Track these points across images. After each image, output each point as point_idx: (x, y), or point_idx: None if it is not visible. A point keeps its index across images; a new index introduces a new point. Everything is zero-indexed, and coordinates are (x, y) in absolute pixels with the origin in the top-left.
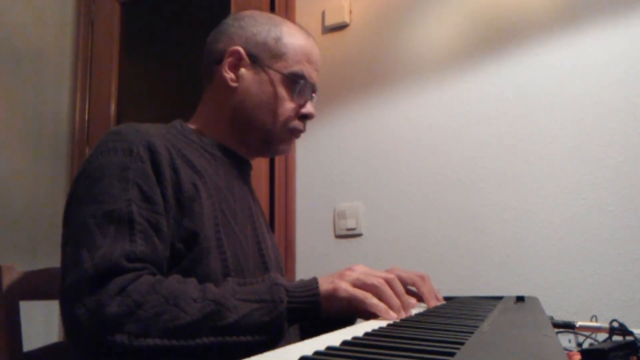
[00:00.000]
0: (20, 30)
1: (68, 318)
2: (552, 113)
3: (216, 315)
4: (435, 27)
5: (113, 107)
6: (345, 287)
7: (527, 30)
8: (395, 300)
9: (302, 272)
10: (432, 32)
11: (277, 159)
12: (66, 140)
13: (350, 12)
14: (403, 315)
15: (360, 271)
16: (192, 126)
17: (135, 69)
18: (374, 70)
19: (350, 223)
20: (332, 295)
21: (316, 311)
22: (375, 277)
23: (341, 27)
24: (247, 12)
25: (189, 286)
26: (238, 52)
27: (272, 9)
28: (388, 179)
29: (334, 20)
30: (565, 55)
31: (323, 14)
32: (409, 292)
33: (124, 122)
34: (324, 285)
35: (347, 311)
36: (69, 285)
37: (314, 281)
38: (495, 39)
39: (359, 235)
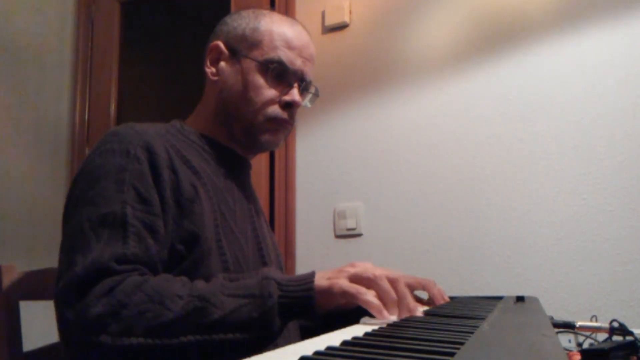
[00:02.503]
0: (20, 30)
1: (59, 321)
2: (552, 113)
3: (200, 311)
4: (435, 28)
5: (113, 107)
6: (341, 284)
7: (527, 31)
8: (391, 295)
9: (302, 272)
10: (432, 32)
11: (277, 158)
12: (66, 140)
13: (350, 12)
14: (396, 312)
15: (361, 267)
16: (190, 125)
17: (135, 69)
18: (374, 70)
19: (350, 223)
20: (327, 291)
21: (310, 307)
22: (374, 271)
23: (341, 27)
24: (238, 11)
25: (176, 284)
26: (217, 46)
27: (272, 9)
28: (388, 179)
29: (334, 20)
30: (565, 56)
31: (323, 14)
32: (415, 299)
33: (124, 122)
34: (320, 281)
35: (345, 306)
36: (60, 288)
37: (310, 275)
38: (495, 39)
39: (359, 235)
